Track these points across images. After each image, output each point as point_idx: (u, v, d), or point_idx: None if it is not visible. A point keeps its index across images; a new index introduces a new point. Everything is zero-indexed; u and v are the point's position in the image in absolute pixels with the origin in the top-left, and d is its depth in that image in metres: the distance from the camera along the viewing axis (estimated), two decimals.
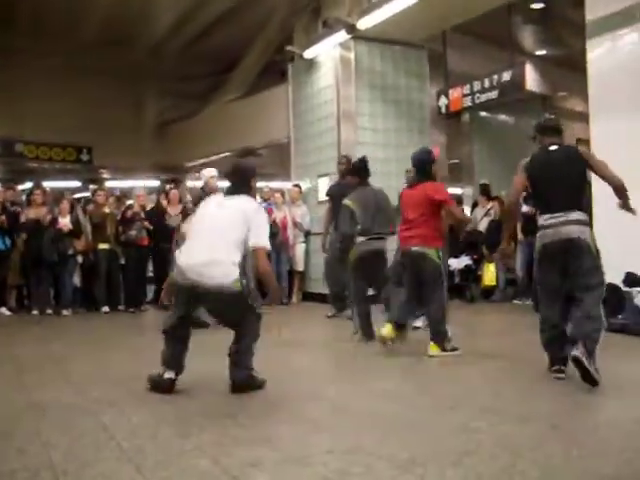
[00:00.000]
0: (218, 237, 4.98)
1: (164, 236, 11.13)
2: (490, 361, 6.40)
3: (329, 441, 3.86)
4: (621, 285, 8.18)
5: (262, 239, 5.09)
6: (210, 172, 9.06)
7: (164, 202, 11.87)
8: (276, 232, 11.65)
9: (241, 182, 5.35)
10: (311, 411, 4.54)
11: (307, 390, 5.25)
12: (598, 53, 9.28)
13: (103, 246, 11.09)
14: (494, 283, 11.69)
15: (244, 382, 5.05)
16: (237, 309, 5.07)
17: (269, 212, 11.94)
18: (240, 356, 5.10)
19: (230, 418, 4.37)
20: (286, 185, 13.80)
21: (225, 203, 5.23)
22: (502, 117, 15.61)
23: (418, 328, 8.11)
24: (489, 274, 11.66)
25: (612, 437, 3.88)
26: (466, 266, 11.87)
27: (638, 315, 7.74)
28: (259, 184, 17.47)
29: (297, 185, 12.64)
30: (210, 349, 5.85)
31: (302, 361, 6.71)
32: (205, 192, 8.65)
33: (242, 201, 5.19)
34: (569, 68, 12.84)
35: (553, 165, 5.42)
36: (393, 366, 6.43)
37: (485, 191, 12.36)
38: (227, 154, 18.84)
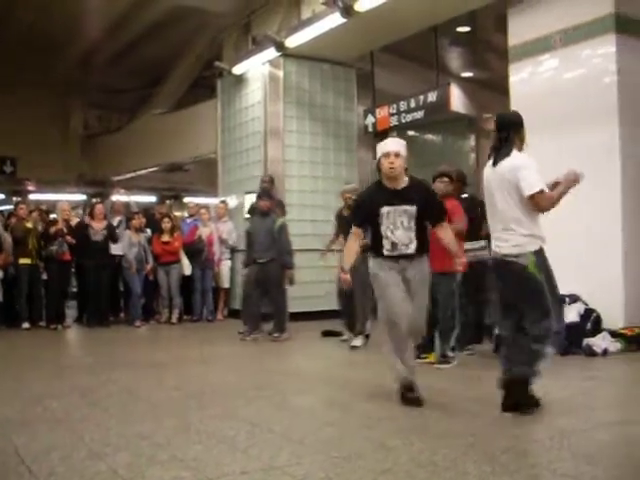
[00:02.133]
0: None
1: (88, 252, 10.94)
2: (420, 379, 6.44)
3: (244, 461, 3.81)
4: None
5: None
6: None
7: (87, 217, 11.62)
8: (202, 248, 11.56)
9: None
10: (227, 430, 4.48)
11: (224, 408, 5.19)
12: (519, 77, 9.51)
13: (24, 261, 10.76)
14: None
15: None
16: None
17: (194, 229, 11.88)
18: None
19: (145, 438, 4.29)
20: (213, 201, 13.73)
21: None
22: (429, 136, 15.82)
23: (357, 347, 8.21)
24: None
25: (526, 454, 3.94)
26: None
27: (557, 332, 7.89)
28: (186, 199, 17.36)
29: (223, 201, 12.57)
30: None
31: (221, 378, 6.63)
32: None
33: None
34: (494, 90, 13.07)
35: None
36: (313, 382, 6.45)
37: None
38: (154, 169, 18.70)
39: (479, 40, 13.12)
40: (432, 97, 10.61)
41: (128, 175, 19.38)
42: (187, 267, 11.67)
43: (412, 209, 5.15)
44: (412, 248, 5.19)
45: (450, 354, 6.99)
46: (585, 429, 4.50)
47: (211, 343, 9.45)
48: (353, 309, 8.55)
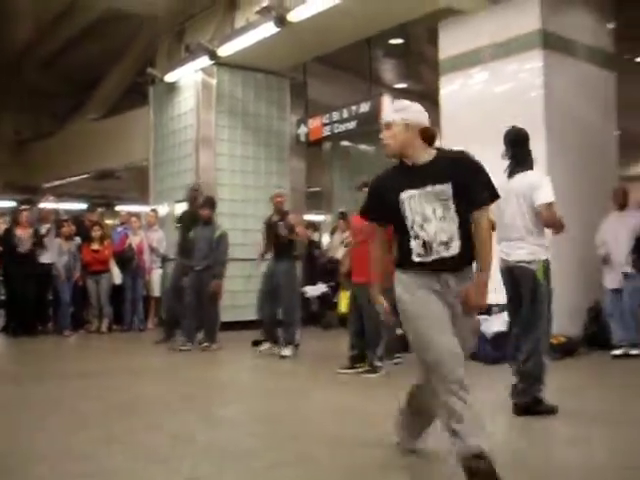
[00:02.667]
0: None
1: (14, 260, 10.71)
2: (343, 387, 6.48)
3: (165, 473, 3.78)
4: None
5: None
6: None
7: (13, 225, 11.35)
8: (132, 257, 11.42)
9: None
10: (149, 441, 4.43)
11: (147, 419, 5.12)
12: (449, 89, 9.67)
13: None
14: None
15: None
16: None
17: (125, 237, 11.73)
18: None
19: (67, 450, 4.21)
20: (145, 209, 13.58)
21: None
22: (363, 147, 15.93)
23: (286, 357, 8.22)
24: (344, 301, 11.80)
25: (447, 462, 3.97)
26: (323, 293, 11.98)
27: (485, 342, 8.00)
28: (118, 207, 17.12)
29: (154, 210, 12.43)
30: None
31: (147, 389, 6.55)
32: None
33: None
34: (427, 101, 13.20)
35: None
36: (240, 393, 6.43)
37: (343, 219, 12.56)
38: (85, 175, 18.41)
39: (412, 52, 13.30)
40: (364, 108, 10.69)
41: (59, 182, 19.02)
42: (117, 276, 11.50)
43: (446, 189, 3.64)
44: (455, 248, 3.63)
45: (378, 364, 7.03)
46: (511, 441, 4.57)
47: (140, 353, 9.33)
48: (275, 318, 8.56)
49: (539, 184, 5.21)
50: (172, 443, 4.42)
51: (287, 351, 8.34)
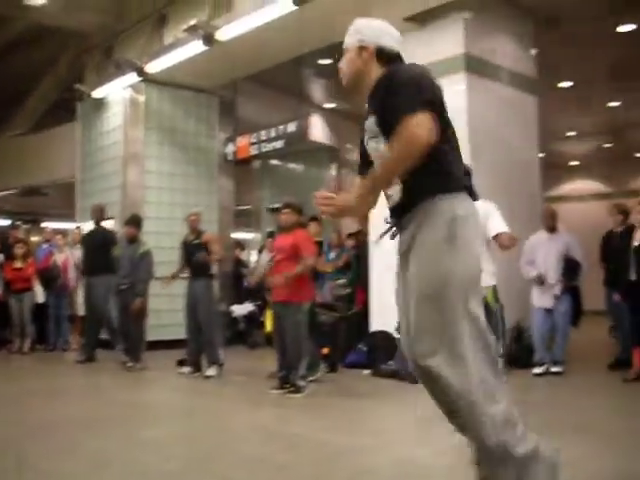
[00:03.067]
0: None
1: None
2: (267, 407, 6.46)
3: None
4: (394, 333, 8.53)
5: None
6: None
7: None
8: (56, 275, 11.20)
9: None
10: (66, 466, 4.33)
11: (65, 443, 5.00)
12: None
13: None
14: None
15: None
16: None
17: (50, 254, 11.51)
18: None
19: None
20: (71, 226, 13.34)
21: None
22: (292, 166, 15.98)
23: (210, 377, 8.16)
24: (270, 320, 11.80)
25: None
26: (249, 312, 11.94)
27: (404, 360, 8.05)
28: (45, 224, 16.76)
29: (78, 227, 12.23)
30: None
31: (68, 411, 6.39)
32: None
33: None
34: (356, 122, 13.35)
35: None
36: (162, 414, 6.36)
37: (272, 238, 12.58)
38: (11, 192, 18.03)
39: None
40: (292, 127, 10.77)
41: None
42: (40, 294, 11.27)
43: (370, 124, 3.04)
44: (395, 197, 3.00)
45: (301, 383, 7.03)
46: (426, 456, 4.62)
47: (62, 374, 9.15)
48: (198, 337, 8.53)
49: (491, 214, 5.43)
50: (90, 467, 4.33)
51: (211, 371, 8.28)
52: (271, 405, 6.61)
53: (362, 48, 3.14)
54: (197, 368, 8.48)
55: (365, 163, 3.16)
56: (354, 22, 3.29)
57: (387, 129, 2.86)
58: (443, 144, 2.89)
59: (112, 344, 9.84)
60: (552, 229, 8.44)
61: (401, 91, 2.85)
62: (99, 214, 10.12)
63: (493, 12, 9.34)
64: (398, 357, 8.13)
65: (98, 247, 9.82)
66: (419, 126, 2.72)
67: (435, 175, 2.88)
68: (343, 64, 3.25)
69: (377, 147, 2.99)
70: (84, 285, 10.08)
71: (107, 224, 10.58)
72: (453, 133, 3.04)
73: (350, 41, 3.21)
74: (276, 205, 8.30)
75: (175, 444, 5.04)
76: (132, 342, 9.14)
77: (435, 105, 2.85)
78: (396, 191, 2.94)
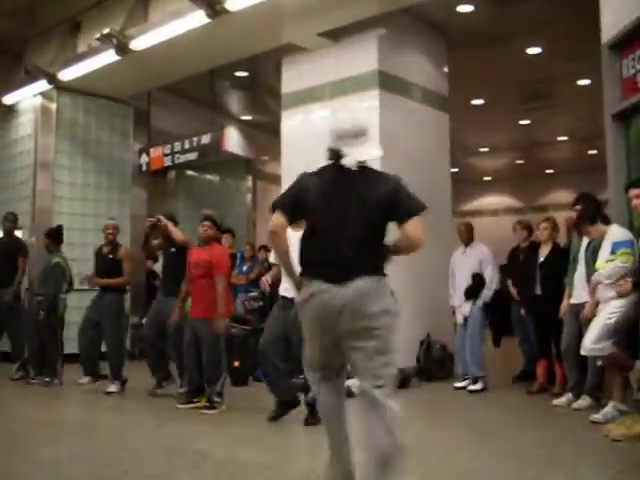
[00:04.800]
0: None
1: None
2: (175, 423, 6.38)
3: None
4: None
5: None
6: None
7: None
8: None
9: None
10: None
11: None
12: (290, 124, 9.84)
13: None
14: None
15: None
16: None
17: None
18: None
19: None
20: None
21: None
22: (208, 177, 15.92)
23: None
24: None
25: None
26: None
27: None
28: None
29: None
30: None
31: None
32: None
33: None
34: (272, 134, 13.42)
35: None
36: (64, 431, 6.28)
37: None
38: None
39: (258, 84, 13.43)
40: (206, 139, 10.71)
41: None
42: None
43: None
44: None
45: (217, 399, 6.97)
46: None
47: None
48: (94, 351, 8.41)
49: None
50: None
51: (113, 387, 8.12)
52: (175, 421, 6.52)
53: None
54: (95, 375, 8.37)
55: None
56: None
57: None
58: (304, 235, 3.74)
59: (13, 357, 9.55)
60: (467, 243, 8.53)
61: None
62: (11, 223, 9.84)
63: (406, 30, 9.52)
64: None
65: (8, 257, 9.57)
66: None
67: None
68: None
69: None
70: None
71: (18, 233, 10.33)
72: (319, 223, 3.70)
73: None
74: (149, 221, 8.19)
75: (76, 463, 4.91)
76: (47, 355, 8.91)
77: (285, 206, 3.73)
78: None
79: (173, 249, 7.89)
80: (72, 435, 6.14)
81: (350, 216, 3.63)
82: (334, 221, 3.63)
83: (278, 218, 3.65)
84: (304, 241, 3.69)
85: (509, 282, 8.86)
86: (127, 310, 8.54)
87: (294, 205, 3.71)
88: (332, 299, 3.48)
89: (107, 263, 8.42)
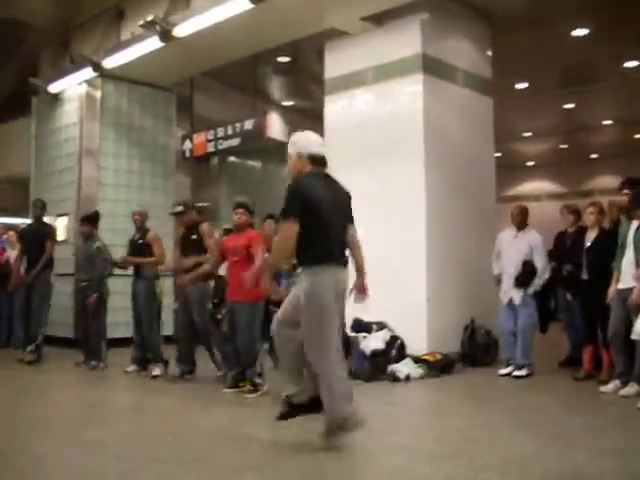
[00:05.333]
0: None
1: None
2: (215, 408, 6.44)
3: None
4: (348, 331, 8.57)
5: None
6: None
7: None
8: (8, 272, 11.02)
9: None
10: (12, 468, 4.26)
11: (12, 444, 4.94)
12: (334, 109, 9.81)
13: None
14: None
15: None
16: None
17: (1, 251, 11.36)
18: None
19: None
20: (25, 222, 13.15)
21: None
22: (250, 163, 15.96)
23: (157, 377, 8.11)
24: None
25: None
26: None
27: (363, 360, 8.12)
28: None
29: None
30: None
31: (15, 411, 6.29)
32: None
33: None
34: (314, 119, 13.39)
35: None
36: (111, 414, 6.34)
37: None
38: None
39: (300, 70, 13.41)
40: (249, 125, 10.73)
41: None
42: None
43: None
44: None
45: (258, 381, 7.02)
46: (376, 454, 4.65)
47: (13, 372, 9.00)
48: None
49: None
50: (37, 469, 4.29)
51: (157, 370, 8.27)
52: (222, 405, 6.58)
53: (299, 155, 4.75)
54: (142, 367, 8.47)
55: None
56: (292, 136, 4.91)
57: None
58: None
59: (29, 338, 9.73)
60: (519, 227, 8.37)
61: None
62: (40, 210, 10.00)
63: (450, 14, 9.41)
64: (354, 355, 8.18)
65: (38, 242, 9.74)
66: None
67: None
68: (289, 166, 4.84)
69: None
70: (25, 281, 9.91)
71: (50, 220, 10.51)
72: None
73: (290, 151, 4.80)
74: (177, 209, 8.22)
75: (122, 445, 4.98)
76: (93, 340, 9.06)
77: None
78: None
79: (195, 236, 7.96)
80: (119, 417, 6.21)
81: (342, 214, 4.84)
82: (336, 218, 4.72)
83: (293, 227, 4.53)
84: (313, 235, 4.57)
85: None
86: (160, 294, 8.58)
87: (302, 208, 4.54)
88: (344, 277, 4.75)
89: (138, 247, 8.60)
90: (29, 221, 10.54)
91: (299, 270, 4.75)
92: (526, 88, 14.36)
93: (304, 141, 4.82)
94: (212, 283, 8.37)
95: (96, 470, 4.23)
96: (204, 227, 8.11)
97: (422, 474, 4.14)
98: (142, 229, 8.70)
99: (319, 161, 4.77)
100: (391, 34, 9.20)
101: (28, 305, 9.78)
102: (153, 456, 4.58)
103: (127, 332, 9.14)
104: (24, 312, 9.85)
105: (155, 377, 8.17)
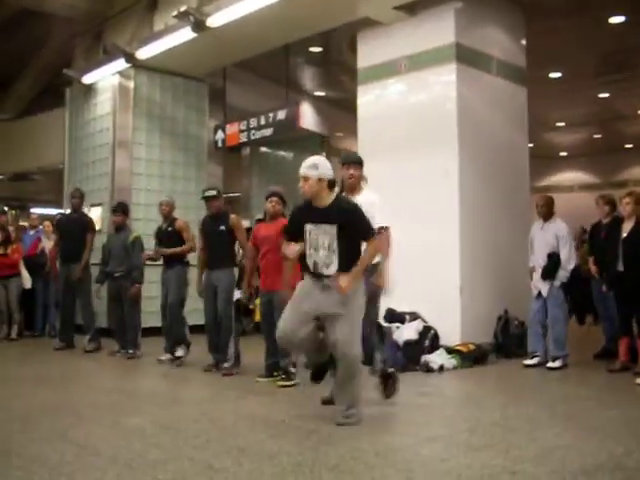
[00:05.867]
0: None
1: None
2: (250, 396, 6.47)
3: None
4: (382, 321, 8.55)
5: None
6: None
7: None
8: (44, 262, 11.16)
9: None
10: (52, 453, 4.32)
11: (51, 430, 4.99)
12: (367, 99, 9.78)
13: None
14: None
15: None
16: None
17: (37, 241, 11.48)
18: None
19: None
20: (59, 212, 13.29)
21: None
22: (282, 153, 15.98)
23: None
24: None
25: (351, 471, 4.00)
26: (237, 300, 11.89)
27: (396, 350, 8.11)
28: (33, 210, 16.72)
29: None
30: None
31: (54, 398, 6.37)
32: None
33: None
34: (346, 110, 13.38)
35: None
36: (147, 401, 6.37)
37: None
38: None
39: (332, 60, 13.38)
40: (281, 115, 10.70)
41: None
42: (27, 280, 11.22)
43: (332, 229, 5.04)
44: (332, 269, 5.07)
45: (292, 370, 7.04)
46: (410, 444, 4.64)
47: (49, 360, 9.12)
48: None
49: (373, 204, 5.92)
50: (76, 454, 4.33)
51: (180, 351, 8.42)
52: (257, 393, 6.62)
53: (320, 180, 5.03)
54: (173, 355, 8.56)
55: (295, 233, 5.27)
56: (313, 160, 5.18)
57: (344, 235, 5.04)
58: None
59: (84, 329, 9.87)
60: (545, 218, 8.31)
61: (365, 221, 5.16)
62: (78, 200, 10.10)
63: (483, 2, 9.34)
64: (387, 346, 8.16)
65: (77, 232, 9.85)
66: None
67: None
68: (306, 186, 5.06)
69: (321, 237, 5.08)
70: (62, 270, 10.02)
71: (85, 210, 10.61)
72: None
73: (310, 174, 5.04)
74: (210, 193, 8.14)
75: (160, 432, 5.03)
76: (129, 330, 9.16)
77: None
78: (333, 268, 5.09)
79: (223, 227, 7.87)
80: (155, 405, 6.25)
81: None
82: None
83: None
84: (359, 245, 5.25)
85: (590, 259, 8.66)
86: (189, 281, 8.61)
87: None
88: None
89: (167, 236, 8.63)
90: (64, 211, 10.65)
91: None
92: (560, 77, 14.20)
93: (325, 167, 5.12)
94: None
95: (137, 456, 4.26)
96: (234, 219, 8.05)
97: (457, 464, 4.12)
98: (169, 218, 8.74)
99: (333, 186, 5.16)
100: (424, 23, 9.15)
101: (65, 295, 9.92)
102: (191, 443, 4.61)
103: (159, 321, 9.22)
104: (66, 302, 9.98)
105: (178, 358, 8.30)
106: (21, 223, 15.54)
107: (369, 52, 9.81)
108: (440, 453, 4.46)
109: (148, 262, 9.11)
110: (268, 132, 10.96)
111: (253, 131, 11.20)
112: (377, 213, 5.80)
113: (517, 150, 9.84)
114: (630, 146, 21.05)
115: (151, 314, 9.79)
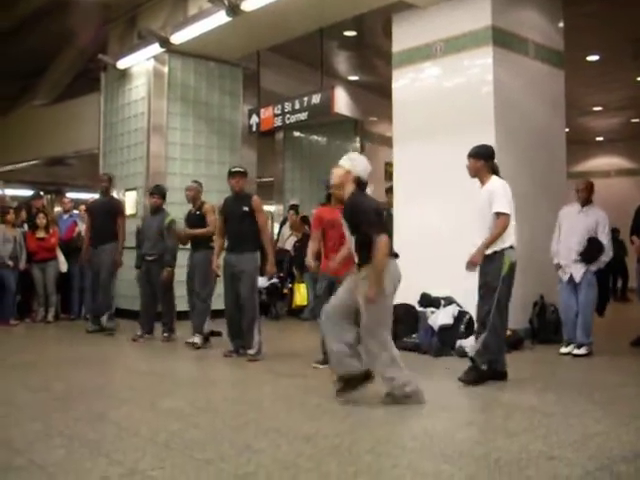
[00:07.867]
0: None
1: None
2: (285, 379, 6.49)
3: (105, 466, 3.73)
4: (417, 306, 8.54)
5: None
6: None
7: None
8: (80, 245, 11.25)
9: None
10: (92, 433, 4.39)
11: (91, 411, 5.07)
12: (402, 83, 9.72)
13: None
14: (305, 302, 11.87)
15: None
16: None
17: (73, 225, 11.59)
18: None
19: (3, 443, 4.15)
20: (95, 196, 13.39)
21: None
22: (315, 138, 15.96)
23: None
24: (300, 295, 11.88)
25: (389, 454, 4.01)
26: (272, 284, 11.98)
27: (430, 334, 8.09)
28: (69, 194, 16.86)
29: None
30: None
31: (92, 379, 6.46)
32: None
33: None
34: (380, 94, 13.30)
35: None
36: (182, 383, 6.43)
37: (295, 211, 12.65)
38: (35, 162, 18.13)
39: (366, 44, 13.30)
40: (316, 99, 10.66)
41: (7, 167, 18.70)
42: (63, 264, 11.36)
43: (345, 223, 5.42)
44: (357, 259, 5.36)
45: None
46: (446, 429, 4.63)
47: (87, 343, 9.22)
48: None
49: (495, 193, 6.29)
50: (115, 435, 4.40)
51: (196, 339, 8.46)
52: (291, 376, 6.64)
53: (349, 173, 5.32)
54: (205, 338, 8.60)
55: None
56: (353, 154, 5.69)
57: (354, 230, 5.32)
58: None
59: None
60: (584, 204, 8.17)
61: (371, 219, 5.20)
62: (107, 183, 10.18)
63: None
64: (422, 330, 8.15)
65: (105, 216, 9.95)
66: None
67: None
68: (334, 173, 5.43)
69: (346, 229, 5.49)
70: (92, 254, 10.11)
71: (118, 194, 10.69)
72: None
73: (346, 164, 5.37)
74: (236, 168, 8.07)
75: (197, 413, 5.07)
76: (164, 313, 9.27)
77: None
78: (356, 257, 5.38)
79: (246, 208, 7.77)
80: (191, 387, 6.31)
81: None
82: None
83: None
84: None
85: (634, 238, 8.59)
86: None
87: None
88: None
89: (196, 220, 8.71)
90: (97, 195, 10.74)
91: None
92: (597, 60, 13.99)
93: (361, 164, 5.40)
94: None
95: (175, 436, 4.30)
96: (256, 201, 7.89)
97: (494, 448, 4.10)
98: (198, 202, 8.78)
99: (362, 185, 5.38)
100: (460, 6, 9.05)
101: (96, 279, 10.07)
102: (228, 424, 4.66)
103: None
104: (96, 286, 10.12)
105: (190, 343, 8.42)
106: (57, 208, 15.71)
107: (404, 35, 9.73)
108: (476, 437, 4.46)
109: (180, 246, 9.16)
110: (303, 116, 10.92)
111: (288, 115, 11.16)
112: (495, 199, 6.25)
113: (554, 134, 9.72)
114: None
115: (180, 298, 9.88)
